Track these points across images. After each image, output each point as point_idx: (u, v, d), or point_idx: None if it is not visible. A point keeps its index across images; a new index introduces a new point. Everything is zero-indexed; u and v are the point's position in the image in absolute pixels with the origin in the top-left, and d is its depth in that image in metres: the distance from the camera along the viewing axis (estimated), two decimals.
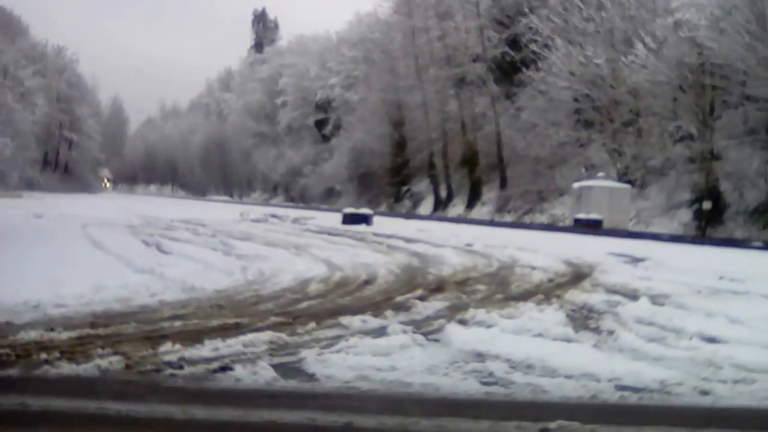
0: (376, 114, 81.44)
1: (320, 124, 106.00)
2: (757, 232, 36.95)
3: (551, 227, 47.15)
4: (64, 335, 9.82)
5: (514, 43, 63.25)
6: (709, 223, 39.94)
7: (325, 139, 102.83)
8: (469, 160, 66.85)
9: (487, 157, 65.62)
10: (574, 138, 54.32)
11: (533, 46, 56.13)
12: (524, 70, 57.72)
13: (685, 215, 42.34)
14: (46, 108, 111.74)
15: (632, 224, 44.75)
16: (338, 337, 10.09)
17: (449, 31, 68.66)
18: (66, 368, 8.17)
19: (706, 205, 39.67)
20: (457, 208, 67.83)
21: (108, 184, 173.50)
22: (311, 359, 8.79)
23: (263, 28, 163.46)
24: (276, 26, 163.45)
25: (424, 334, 10.46)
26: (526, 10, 58.68)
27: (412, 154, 77.15)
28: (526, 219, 55.03)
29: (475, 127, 66.73)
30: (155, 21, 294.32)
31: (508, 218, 57.06)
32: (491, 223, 53.72)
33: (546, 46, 54.78)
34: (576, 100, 52.90)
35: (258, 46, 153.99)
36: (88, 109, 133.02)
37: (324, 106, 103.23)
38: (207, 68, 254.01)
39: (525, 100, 59.31)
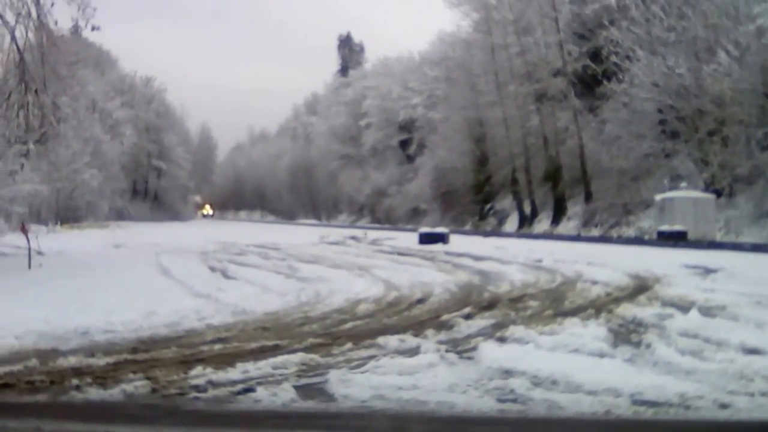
0: (458, 132, 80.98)
1: (404, 145, 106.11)
2: None
3: (635, 240, 46.04)
4: (102, 361, 10.01)
5: (595, 55, 62.04)
6: None
7: (409, 159, 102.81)
8: (553, 175, 65.91)
9: (570, 171, 64.71)
10: (658, 149, 53.01)
11: (615, 58, 55.09)
12: (606, 82, 56.62)
13: None
14: (135, 138, 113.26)
15: (720, 235, 43.47)
16: (370, 357, 10.17)
17: (529, 47, 67.90)
18: (93, 393, 8.30)
19: None
20: (542, 224, 66.80)
21: (209, 211, 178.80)
22: (335, 380, 8.81)
23: (349, 51, 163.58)
24: (362, 49, 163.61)
25: (458, 353, 10.49)
26: (607, 22, 57.53)
27: (494, 171, 76.23)
28: (613, 233, 53.95)
29: (558, 142, 65.77)
30: (243, 48, 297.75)
31: (595, 232, 56.10)
32: (576, 238, 53.00)
33: (627, 57, 53.78)
34: (660, 111, 51.76)
35: (343, 70, 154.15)
36: (177, 137, 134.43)
37: (407, 126, 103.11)
38: (294, 93, 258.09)
39: (608, 112, 58.13)
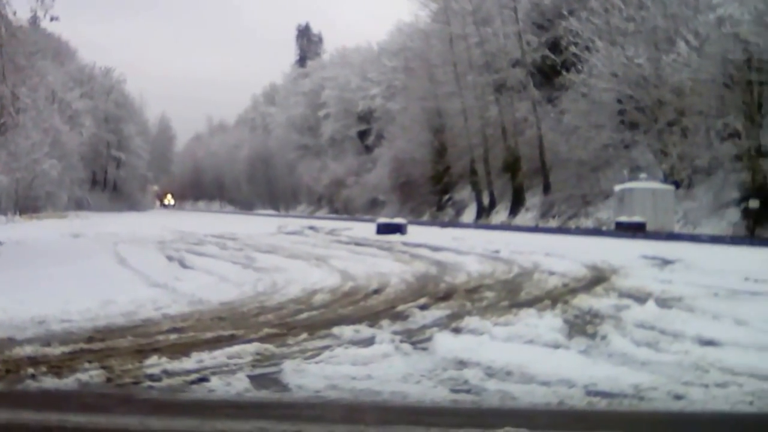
0: (417, 122, 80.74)
1: (362, 135, 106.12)
2: None
3: (593, 232, 45.89)
4: (58, 350, 9.88)
5: (554, 46, 62.10)
6: (758, 222, 38.53)
7: (368, 149, 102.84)
8: (511, 166, 65.70)
9: (529, 162, 64.56)
10: (618, 140, 53.06)
11: (574, 49, 55.03)
12: (565, 73, 56.54)
13: (734, 215, 40.93)
14: (94, 128, 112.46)
15: (679, 226, 43.48)
16: (325, 348, 10.05)
17: (488, 37, 67.67)
18: (48, 382, 8.24)
19: (753, 203, 38.38)
20: (500, 215, 66.71)
21: (171, 201, 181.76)
22: (289, 370, 8.74)
23: (307, 42, 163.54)
24: (320, 40, 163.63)
25: (413, 343, 10.37)
26: (566, 12, 57.56)
27: (453, 162, 76.25)
28: (571, 224, 53.86)
29: (517, 132, 65.69)
30: (201, 39, 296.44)
31: (553, 223, 56.07)
32: (534, 229, 52.93)
33: (587, 47, 53.75)
34: (619, 101, 51.78)
35: (302, 60, 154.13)
36: (136, 127, 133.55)
37: (366, 116, 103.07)
38: (253, 84, 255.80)
39: (567, 103, 58.32)
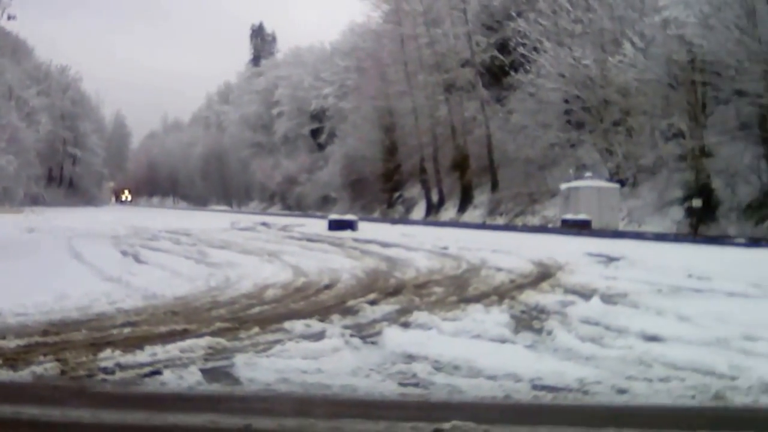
0: (368, 121, 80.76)
1: (315, 133, 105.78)
2: (751, 228, 35.59)
3: (540, 229, 46.06)
4: (13, 343, 9.83)
5: (502, 47, 62.02)
6: (701, 220, 38.52)
7: (320, 147, 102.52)
8: (460, 164, 65.58)
9: (477, 160, 64.48)
10: (564, 139, 53.18)
11: (522, 50, 54.85)
12: (513, 73, 56.76)
13: (678, 213, 40.91)
14: (50, 126, 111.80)
15: (624, 224, 43.46)
16: (276, 342, 9.99)
17: (438, 38, 67.56)
18: (2, 374, 8.23)
19: (696, 202, 38.34)
20: (449, 212, 66.59)
21: (128, 197, 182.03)
22: (241, 363, 8.70)
23: (261, 41, 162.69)
24: (273, 39, 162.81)
25: (363, 338, 10.39)
26: (514, 14, 57.52)
27: (403, 160, 76.40)
28: (518, 221, 53.72)
29: (466, 131, 65.57)
30: (157, 38, 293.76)
31: (501, 221, 55.82)
32: (482, 226, 52.59)
33: (535, 48, 53.58)
34: (566, 101, 51.82)
35: (256, 60, 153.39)
36: (92, 125, 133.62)
37: (318, 115, 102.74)
38: (208, 82, 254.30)
39: (515, 102, 58.24)
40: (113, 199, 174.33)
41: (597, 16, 48.93)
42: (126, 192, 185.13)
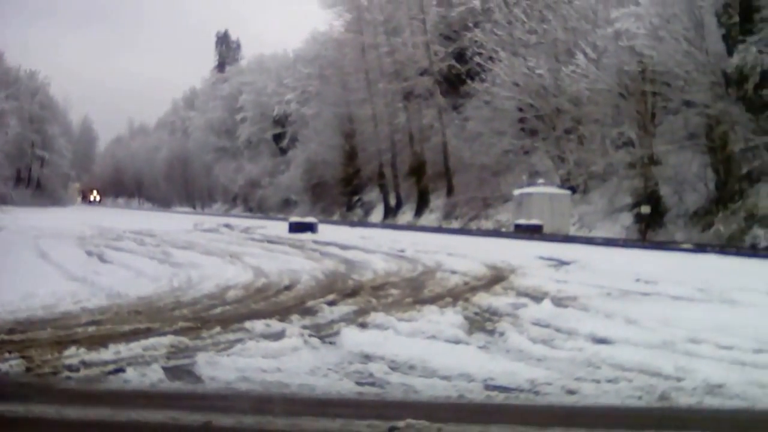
0: (329, 127, 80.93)
1: (277, 138, 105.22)
2: (697, 235, 35.74)
3: (494, 233, 45.79)
4: None
5: (460, 56, 62.40)
6: (649, 226, 38.79)
7: (282, 152, 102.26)
8: (417, 170, 66.05)
9: (434, 166, 64.87)
10: (518, 146, 53.50)
11: (478, 59, 55.33)
12: (470, 81, 57.09)
13: (627, 219, 41.20)
14: (19, 128, 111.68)
15: (575, 229, 43.73)
16: (237, 341, 10.01)
17: (398, 47, 67.70)
18: None
19: (645, 209, 38.61)
20: (406, 215, 66.81)
21: (97, 197, 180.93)
22: (203, 362, 8.70)
23: (226, 48, 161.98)
24: (238, 46, 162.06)
25: (321, 337, 10.41)
26: (471, 24, 58.09)
27: (363, 165, 76.56)
28: (472, 225, 53.87)
29: (423, 138, 65.85)
30: (126, 45, 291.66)
31: (455, 224, 56.01)
32: (437, 229, 52.71)
33: (491, 58, 53.95)
34: (520, 109, 52.20)
35: (221, 66, 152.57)
36: (59, 128, 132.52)
37: (281, 120, 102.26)
38: (174, 88, 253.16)
39: (471, 110, 58.55)
40: (80, 199, 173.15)
41: (551, 27, 49.24)
42: (94, 192, 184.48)
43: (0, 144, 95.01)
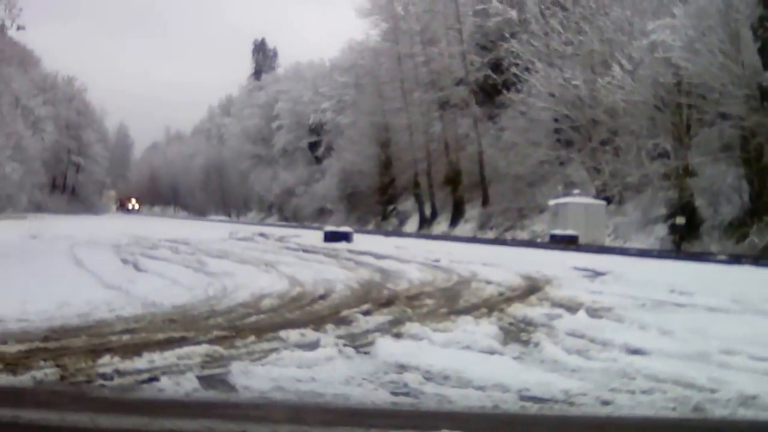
0: (365, 136, 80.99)
1: (313, 147, 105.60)
2: (732, 246, 35.62)
3: (529, 243, 45.68)
4: (14, 348, 9.75)
5: (496, 66, 62.16)
6: (684, 237, 38.58)
7: (318, 160, 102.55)
8: (453, 179, 66.00)
9: (469, 176, 64.85)
10: (553, 156, 53.34)
11: (514, 69, 55.16)
12: (506, 92, 56.98)
13: (662, 230, 41.02)
14: (55, 135, 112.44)
15: (610, 240, 43.60)
16: (272, 350, 9.92)
17: (434, 57, 67.92)
18: (3, 379, 8.16)
19: (680, 220, 38.43)
20: (441, 225, 66.81)
21: (135, 206, 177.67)
22: (237, 371, 8.58)
23: (262, 56, 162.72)
24: (275, 55, 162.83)
25: (356, 347, 10.26)
26: (508, 35, 57.81)
27: (398, 174, 76.80)
28: (507, 235, 53.83)
29: (458, 148, 66.05)
30: (162, 51, 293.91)
31: (490, 235, 56.03)
32: (472, 239, 52.68)
33: (527, 69, 53.85)
34: (555, 120, 52.12)
35: (257, 74, 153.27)
36: (95, 135, 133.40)
37: (317, 129, 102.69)
38: (209, 95, 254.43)
39: (506, 120, 58.62)
40: (115, 207, 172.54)
41: (587, 39, 49.15)
42: (133, 200, 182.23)
43: (36, 150, 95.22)
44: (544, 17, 54.52)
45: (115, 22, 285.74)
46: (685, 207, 39.51)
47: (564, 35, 51.41)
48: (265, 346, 10.33)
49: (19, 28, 26.21)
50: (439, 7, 67.18)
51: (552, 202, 46.34)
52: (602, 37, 48.18)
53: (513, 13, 59.54)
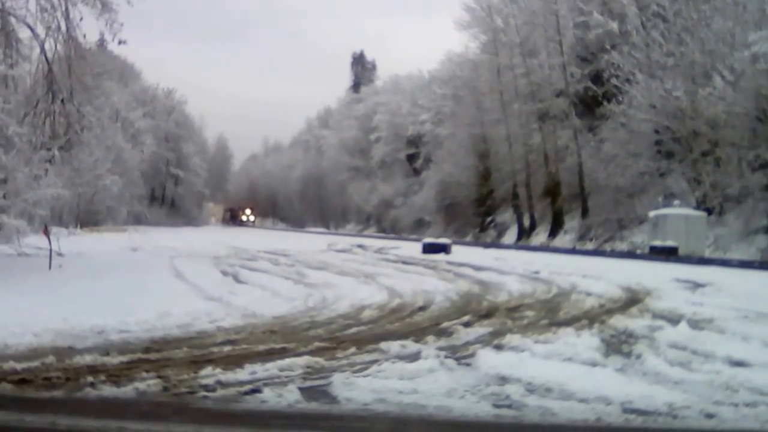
0: (463, 148, 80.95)
1: (411, 158, 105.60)
2: None
3: (628, 255, 45.80)
4: (117, 359, 10.07)
5: (596, 78, 62.00)
6: None
7: (416, 172, 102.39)
8: (552, 191, 65.96)
9: (569, 187, 64.73)
10: (654, 168, 52.94)
11: (615, 81, 55.00)
12: (606, 103, 56.66)
13: (763, 241, 40.90)
14: (155, 147, 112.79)
15: (710, 251, 43.27)
16: (373, 362, 10.15)
17: (533, 68, 67.92)
18: (106, 390, 8.35)
19: None
20: (540, 236, 66.73)
21: (251, 217, 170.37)
22: (338, 383, 8.81)
23: (361, 69, 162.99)
24: (373, 67, 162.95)
25: (457, 359, 10.44)
26: (608, 46, 57.46)
27: (496, 186, 76.66)
28: (607, 246, 53.72)
29: (558, 159, 65.86)
30: (261, 64, 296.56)
31: (590, 246, 55.92)
32: (571, 251, 52.89)
33: (627, 80, 53.73)
34: (656, 131, 51.81)
35: (356, 86, 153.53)
36: (195, 147, 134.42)
37: (415, 141, 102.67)
38: (308, 107, 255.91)
39: (606, 132, 58.21)
40: (219, 218, 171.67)
41: (688, 50, 48.97)
42: (248, 211, 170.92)
43: (136, 162, 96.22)
44: (645, 29, 54.58)
45: (217, 35, 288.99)
46: None
47: (665, 47, 51.20)
48: (366, 357, 10.60)
49: (120, 42, 27.19)
50: (539, 20, 66.92)
51: (652, 213, 46.18)
52: (703, 49, 47.93)
53: (614, 25, 59.28)
